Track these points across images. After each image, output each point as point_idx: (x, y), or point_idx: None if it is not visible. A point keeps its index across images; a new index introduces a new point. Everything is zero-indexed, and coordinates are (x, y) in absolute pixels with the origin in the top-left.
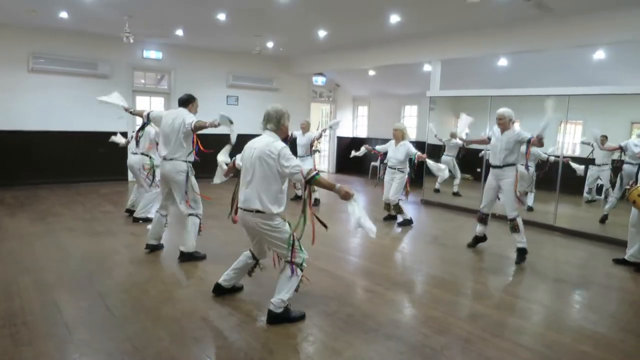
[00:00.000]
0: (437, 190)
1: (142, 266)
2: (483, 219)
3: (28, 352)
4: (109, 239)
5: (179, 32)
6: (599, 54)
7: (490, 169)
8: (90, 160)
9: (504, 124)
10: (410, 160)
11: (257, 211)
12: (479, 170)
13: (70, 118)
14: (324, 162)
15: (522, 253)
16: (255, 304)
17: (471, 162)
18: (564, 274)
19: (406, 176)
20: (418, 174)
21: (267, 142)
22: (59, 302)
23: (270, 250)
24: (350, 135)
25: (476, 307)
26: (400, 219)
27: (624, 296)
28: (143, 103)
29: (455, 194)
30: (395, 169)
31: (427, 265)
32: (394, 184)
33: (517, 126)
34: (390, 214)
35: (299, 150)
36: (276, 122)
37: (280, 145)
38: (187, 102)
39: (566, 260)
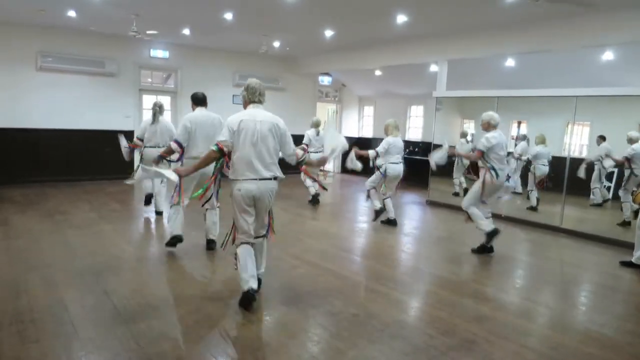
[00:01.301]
0: (456, 194)
1: (148, 265)
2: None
3: (35, 349)
4: (116, 237)
5: (186, 31)
6: (608, 55)
7: None
8: (98, 158)
9: (482, 126)
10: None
11: (274, 177)
12: None
13: (78, 116)
14: (328, 162)
15: (489, 236)
16: (260, 303)
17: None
18: (570, 276)
19: (378, 171)
20: (416, 173)
21: (269, 115)
22: (65, 300)
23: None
24: (356, 135)
25: (482, 309)
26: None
27: (631, 298)
28: (150, 102)
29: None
30: None
31: (433, 266)
32: None
33: (491, 132)
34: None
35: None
36: (264, 95)
37: (282, 120)
38: (206, 101)
39: (572, 262)
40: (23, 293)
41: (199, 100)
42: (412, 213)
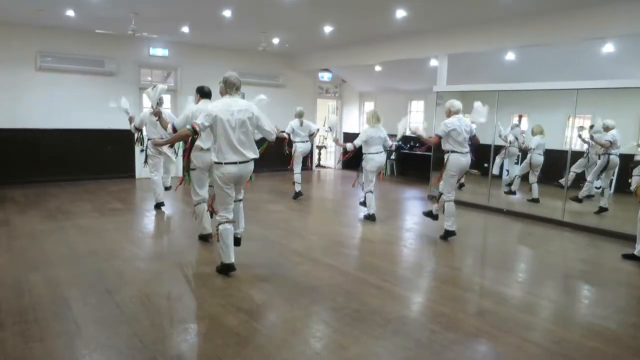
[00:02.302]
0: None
1: (150, 263)
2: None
3: (38, 348)
4: (118, 236)
5: (185, 29)
6: (608, 47)
7: None
8: (98, 157)
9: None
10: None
11: (253, 159)
12: (486, 165)
13: (78, 116)
14: (330, 158)
15: (446, 235)
16: (262, 301)
17: (478, 156)
18: (573, 270)
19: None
20: (417, 168)
21: (245, 104)
22: (68, 299)
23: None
24: (357, 131)
25: (484, 303)
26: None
27: (634, 292)
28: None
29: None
30: None
31: (435, 261)
32: None
33: (451, 118)
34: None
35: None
36: (240, 89)
37: (254, 106)
38: (211, 96)
39: (575, 256)
40: (26, 292)
41: (204, 94)
42: (413, 208)
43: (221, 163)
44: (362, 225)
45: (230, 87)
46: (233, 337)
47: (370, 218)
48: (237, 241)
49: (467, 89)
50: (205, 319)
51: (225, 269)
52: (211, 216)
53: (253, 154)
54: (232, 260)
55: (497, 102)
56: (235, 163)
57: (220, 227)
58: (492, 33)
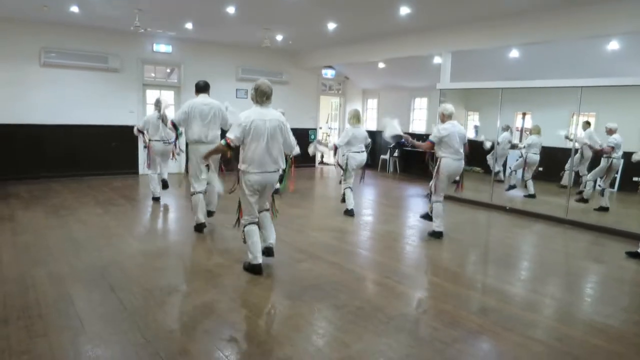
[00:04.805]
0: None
1: (154, 259)
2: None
3: (43, 343)
4: (121, 232)
5: (189, 26)
6: (613, 45)
7: None
8: (102, 153)
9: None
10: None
11: (279, 169)
12: (488, 163)
13: (81, 112)
14: (332, 155)
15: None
16: (265, 298)
17: (480, 154)
18: (576, 267)
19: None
20: (420, 166)
21: (276, 114)
22: (72, 294)
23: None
24: None
25: (487, 301)
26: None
27: (637, 290)
28: (154, 97)
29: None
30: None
31: (438, 259)
32: None
33: (443, 124)
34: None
35: None
36: (271, 97)
37: (283, 117)
38: (207, 88)
39: (578, 254)
40: (30, 288)
41: (199, 88)
42: (415, 206)
43: (247, 171)
44: (363, 222)
45: (260, 97)
46: (235, 333)
47: (349, 213)
48: (269, 251)
49: (471, 86)
50: (208, 315)
51: (252, 269)
52: (237, 223)
53: (280, 164)
54: (260, 261)
55: (501, 99)
56: (262, 172)
57: (245, 228)
58: (496, 30)
